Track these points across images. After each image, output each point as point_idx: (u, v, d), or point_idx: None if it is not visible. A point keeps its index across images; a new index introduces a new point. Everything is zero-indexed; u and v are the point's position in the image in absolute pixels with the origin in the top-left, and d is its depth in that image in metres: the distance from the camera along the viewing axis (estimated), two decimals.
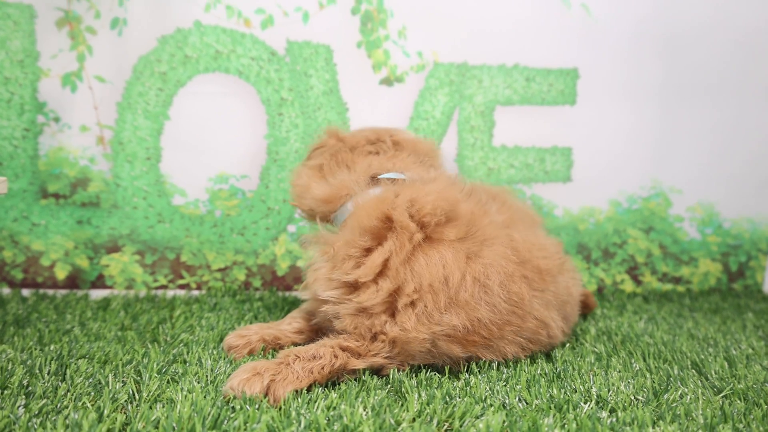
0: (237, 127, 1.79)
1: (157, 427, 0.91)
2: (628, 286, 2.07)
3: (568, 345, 1.42)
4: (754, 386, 1.17)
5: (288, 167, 1.80)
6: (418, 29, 1.84)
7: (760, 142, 2.08)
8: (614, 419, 0.99)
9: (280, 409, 0.98)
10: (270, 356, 1.27)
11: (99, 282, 1.78)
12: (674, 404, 1.07)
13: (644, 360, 1.33)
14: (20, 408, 0.95)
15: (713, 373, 1.25)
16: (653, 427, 0.97)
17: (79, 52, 1.70)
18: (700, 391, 1.14)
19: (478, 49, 1.89)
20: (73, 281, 1.77)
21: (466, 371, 1.20)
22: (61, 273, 1.76)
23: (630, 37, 1.97)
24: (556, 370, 1.22)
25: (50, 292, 1.74)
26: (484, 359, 1.23)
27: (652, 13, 1.97)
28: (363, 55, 1.82)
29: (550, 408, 1.03)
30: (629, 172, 2.03)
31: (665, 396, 1.10)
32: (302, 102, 1.80)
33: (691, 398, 1.10)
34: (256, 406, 0.97)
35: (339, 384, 1.11)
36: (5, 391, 1.02)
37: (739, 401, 1.11)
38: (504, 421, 0.96)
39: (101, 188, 1.75)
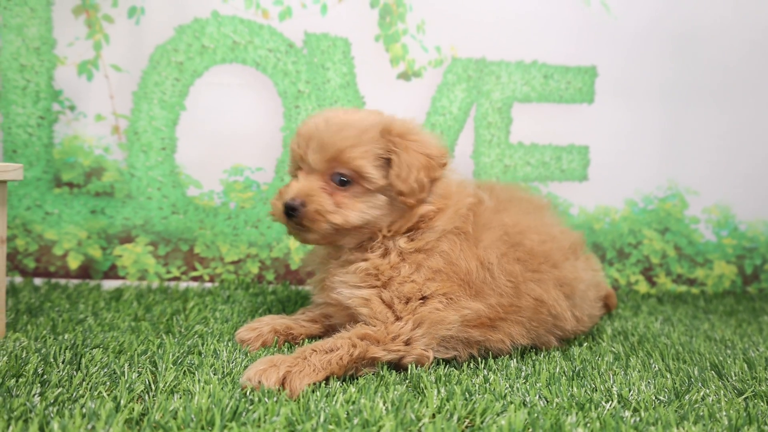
0: (253, 118, 1.78)
1: (175, 418, 0.89)
2: (643, 287, 2.05)
3: (585, 344, 1.41)
4: None
5: None
6: (436, 24, 1.82)
7: None
8: (638, 419, 0.98)
9: (299, 402, 0.97)
10: (286, 350, 1.26)
11: (111, 272, 1.77)
12: (697, 405, 1.05)
13: (663, 360, 1.31)
14: (36, 396, 0.94)
15: (733, 375, 1.24)
16: (677, 428, 0.96)
17: (96, 40, 1.69)
18: (722, 392, 1.13)
19: (496, 44, 1.87)
20: (86, 271, 1.76)
21: (485, 368, 1.19)
22: (73, 263, 1.75)
23: (649, 36, 1.95)
24: (575, 368, 1.21)
25: (62, 281, 1.74)
26: (496, 349, 1.24)
27: (671, 12, 1.95)
28: (381, 49, 1.81)
29: (572, 406, 1.02)
30: (646, 172, 2.02)
31: (687, 397, 1.09)
32: (319, 95, 1.79)
33: (713, 399, 1.08)
34: (275, 398, 0.95)
35: (357, 378, 1.10)
36: (20, 379, 1.01)
37: (762, 403, 1.09)
38: (526, 419, 0.95)
39: (116, 178, 1.74)
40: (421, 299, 1.17)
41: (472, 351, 1.23)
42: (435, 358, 1.18)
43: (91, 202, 1.74)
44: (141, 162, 1.74)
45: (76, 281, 1.74)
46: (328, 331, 1.27)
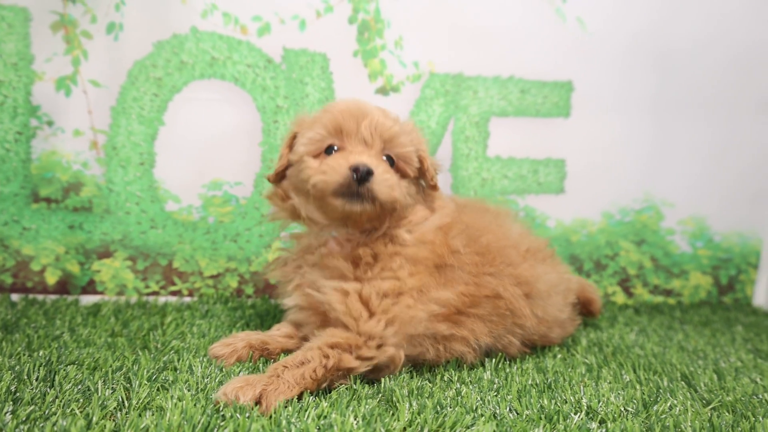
0: (232, 133, 1.78)
1: None
2: (620, 298, 2.08)
3: (559, 356, 1.42)
4: (743, 398, 1.18)
5: None
6: (414, 39, 1.85)
7: (751, 157, 2.11)
8: (604, 430, 1.00)
9: (271, 417, 0.97)
10: (262, 365, 1.26)
11: (90, 287, 1.77)
12: (663, 416, 1.07)
13: (634, 371, 1.33)
14: (7, 414, 0.94)
15: (702, 385, 1.26)
16: None
17: (74, 56, 1.70)
18: (689, 403, 1.15)
19: (473, 60, 1.90)
20: (64, 286, 1.75)
21: (458, 381, 1.20)
22: (51, 278, 1.74)
23: (624, 51, 1.99)
24: (547, 380, 1.23)
25: (40, 297, 1.73)
26: (460, 351, 1.28)
27: (647, 28, 1.99)
28: (359, 64, 1.83)
29: (541, 419, 1.03)
30: (622, 185, 2.05)
31: (654, 407, 1.11)
32: (297, 110, 1.80)
33: (680, 410, 1.10)
34: (247, 414, 0.96)
35: (330, 392, 1.11)
36: None
37: (727, 413, 1.11)
38: (494, 431, 0.96)
39: (94, 193, 1.74)
40: (396, 296, 1.20)
41: (438, 348, 1.25)
42: (405, 357, 1.21)
43: (69, 217, 1.74)
44: (119, 177, 1.75)
45: (53, 297, 1.73)
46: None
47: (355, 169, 1.15)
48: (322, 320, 1.24)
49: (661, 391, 1.21)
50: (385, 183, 1.18)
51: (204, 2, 1.73)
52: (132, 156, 1.74)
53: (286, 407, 1.01)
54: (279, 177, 1.33)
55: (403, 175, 1.26)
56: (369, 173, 1.15)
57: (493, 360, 1.32)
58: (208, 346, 1.32)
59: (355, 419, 0.97)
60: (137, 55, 1.72)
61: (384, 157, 1.24)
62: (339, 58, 1.81)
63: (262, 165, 1.80)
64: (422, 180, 1.33)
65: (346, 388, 1.12)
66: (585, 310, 1.68)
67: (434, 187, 1.33)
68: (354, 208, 1.18)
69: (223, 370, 1.20)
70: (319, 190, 1.19)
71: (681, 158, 2.07)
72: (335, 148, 1.23)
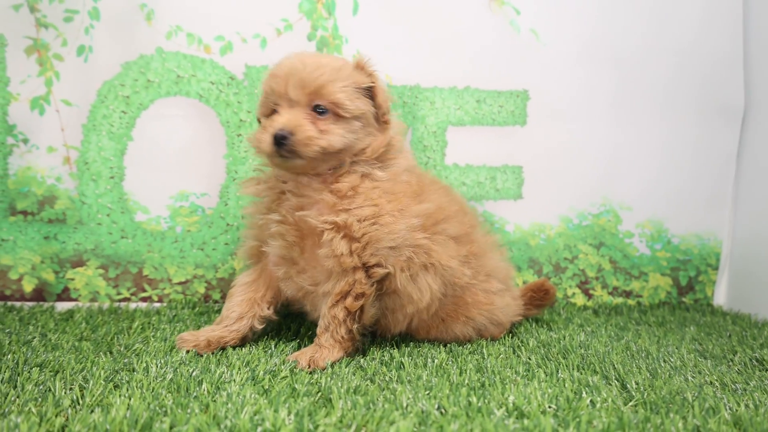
0: (197, 147, 1.88)
1: (93, 429, 0.97)
2: (579, 300, 2.14)
3: (502, 356, 1.48)
4: (667, 396, 1.20)
5: None
6: (371, 54, 1.88)
7: (708, 160, 2.15)
8: (518, 425, 1.04)
9: (209, 411, 1.04)
10: (212, 354, 1.38)
11: (64, 295, 1.86)
12: (581, 412, 1.11)
13: (569, 371, 1.36)
14: None
15: (634, 384, 1.27)
16: None
17: (47, 77, 1.80)
18: (611, 400, 1.17)
19: (430, 72, 1.98)
20: (40, 294, 1.85)
21: (396, 381, 1.26)
22: (28, 286, 1.83)
23: (579, 60, 2.05)
24: (482, 380, 1.28)
25: (18, 304, 1.82)
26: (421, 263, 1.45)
27: (600, 37, 2.05)
28: None
29: (462, 416, 1.09)
30: (579, 190, 2.11)
31: (575, 404, 1.15)
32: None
33: (600, 407, 1.14)
34: (188, 410, 1.04)
35: (272, 389, 1.18)
36: None
37: (642, 410, 1.13)
38: (414, 426, 1.02)
39: (67, 206, 1.84)
40: (375, 218, 1.37)
41: (413, 257, 1.42)
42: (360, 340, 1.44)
43: (44, 228, 1.84)
44: (91, 190, 1.84)
45: (30, 304, 1.83)
46: (253, 322, 1.48)
47: (275, 137, 1.33)
48: (300, 237, 1.41)
49: (588, 388, 1.24)
50: (305, 142, 1.33)
51: (168, 24, 1.83)
52: (103, 170, 1.84)
53: (225, 404, 1.08)
54: None
55: (338, 117, 1.39)
56: (284, 138, 1.33)
57: (435, 360, 1.38)
58: (169, 349, 1.41)
59: (288, 415, 1.05)
60: (106, 75, 1.82)
61: (317, 108, 1.37)
62: None
63: (227, 177, 1.89)
64: (377, 112, 1.45)
65: (288, 386, 1.19)
66: (540, 295, 1.83)
67: (386, 122, 1.46)
68: (289, 164, 1.38)
69: (177, 371, 1.27)
70: (260, 156, 1.43)
71: (638, 162, 2.12)
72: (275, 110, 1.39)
